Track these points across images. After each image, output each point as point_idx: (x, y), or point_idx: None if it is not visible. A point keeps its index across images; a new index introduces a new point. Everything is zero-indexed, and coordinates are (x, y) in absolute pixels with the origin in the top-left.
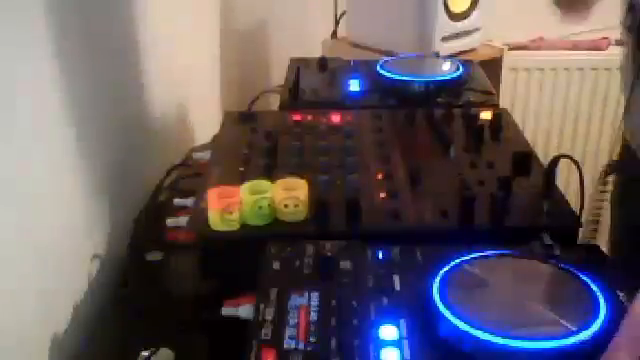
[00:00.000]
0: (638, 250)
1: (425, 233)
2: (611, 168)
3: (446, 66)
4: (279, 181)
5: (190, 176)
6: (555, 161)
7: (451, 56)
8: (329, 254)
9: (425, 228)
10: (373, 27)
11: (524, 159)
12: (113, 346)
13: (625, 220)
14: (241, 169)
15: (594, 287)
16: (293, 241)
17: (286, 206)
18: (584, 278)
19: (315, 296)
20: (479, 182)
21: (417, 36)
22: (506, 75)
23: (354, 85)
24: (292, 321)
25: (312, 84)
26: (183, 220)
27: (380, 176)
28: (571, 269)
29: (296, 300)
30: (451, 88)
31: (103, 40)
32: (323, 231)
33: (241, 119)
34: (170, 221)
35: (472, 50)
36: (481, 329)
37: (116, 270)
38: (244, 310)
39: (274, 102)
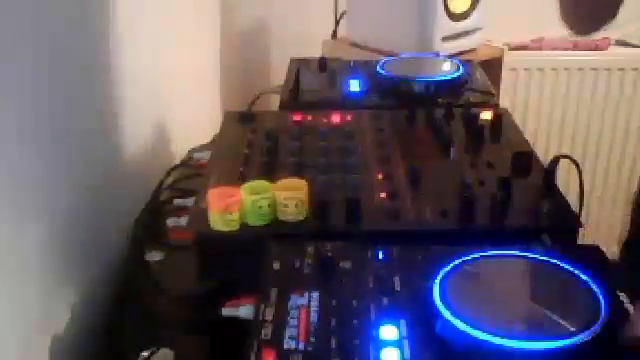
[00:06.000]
0: None
1: (425, 233)
2: None
3: (446, 66)
4: (279, 181)
5: (190, 176)
6: (555, 161)
7: (451, 56)
8: (329, 254)
9: (425, 228)
10: (373, 27)
11: (524, 159)
12: (113, 346)
13: None
14: (241, 169)
15: (594, 287)
16: (293, 241)
17: (286, 206)
18: (584, 278)
19: (315, 296)
20: (479, 182)
21: (417, 36)
22: (506, 75)
23: (354, 85)
24: (292, 321)
25: (312, 84)
26: (183, 220)
27: (380, 176)
28: (571, 269)
29: (296, 300)
30: (451, 88)
31: (103, 40)
32: (323, 231)
33: (241, 119)
34: (170, 221)
35: (472, 50)
36: (481, 329)
37: (116, 270)
38: (244, 310)
39: (274, 102)
